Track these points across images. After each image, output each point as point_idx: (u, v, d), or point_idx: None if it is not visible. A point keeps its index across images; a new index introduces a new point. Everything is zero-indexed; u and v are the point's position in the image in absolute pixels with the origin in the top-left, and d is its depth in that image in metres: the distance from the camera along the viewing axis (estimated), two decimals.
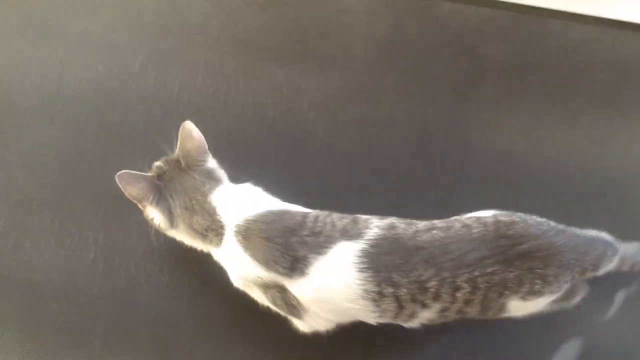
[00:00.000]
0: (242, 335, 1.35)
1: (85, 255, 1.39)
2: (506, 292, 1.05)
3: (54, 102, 1.51)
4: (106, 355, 1.34)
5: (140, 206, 1.23)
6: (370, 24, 1.61)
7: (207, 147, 1.25)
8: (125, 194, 1.19)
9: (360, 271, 1.05)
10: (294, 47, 1.58)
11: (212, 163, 1.27)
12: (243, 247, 1.13)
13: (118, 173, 1.18)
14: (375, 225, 1.10)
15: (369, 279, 1.05)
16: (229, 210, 1.18)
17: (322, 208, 1.21)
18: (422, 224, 1.11)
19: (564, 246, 1.06)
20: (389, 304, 1.07)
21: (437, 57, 1.59)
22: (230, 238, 1.15)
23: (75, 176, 1.46)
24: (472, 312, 1.09)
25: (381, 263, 1.05)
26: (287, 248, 1.09)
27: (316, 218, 1.13)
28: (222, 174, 1.27)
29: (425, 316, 1.10)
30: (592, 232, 1.14)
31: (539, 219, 1.11)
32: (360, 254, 1.06)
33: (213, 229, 1.17)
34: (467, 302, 1.06)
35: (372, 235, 1.08)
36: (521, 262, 1.04)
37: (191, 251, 1.24)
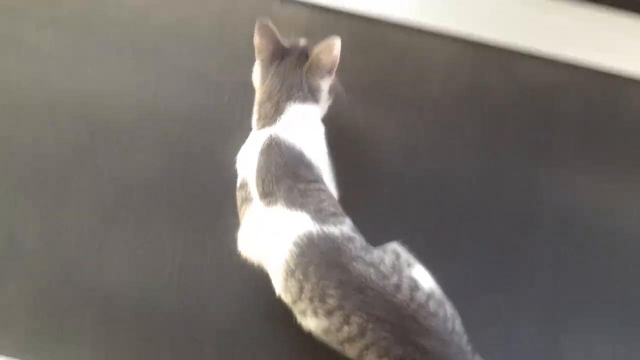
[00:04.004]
0: None
1: (161, 273, 1.45)
2: (384, 359, 1.06)
3: (144, 124, 1.56)
4: None
5: (255, 53, 1.31)
6: (449, 75, 1.65)
7: (334, 69, 1.29)
8: (254, 39, 1.28)
9: (293, 244, 1.11)
10: (374, 90, 1.63)
11: (325, 84, 1.30)
12: (261, 149, 1.21)
13: (262, 18, 1.26)
14: (341, 228, 1.14)
15: (293, 254, 1.11)
16: (287, 122, 1.24)
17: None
18: (375, 255, 1.13)
19: None
20: (293, 287, 1.12)
21: (514, 112, 1.62)
22: (265, 134, 1.22)
23: (159, 197, 1.51)
24: (350, 352, 1.10)
25: (310, 253, 1.10)
26: (276, 181, 1.16)
27: (319, 191, 1.18)
28: (324, 99, 1.31)
29: (311, 324, 1.13)
30: None
31: (458, 327, 1.11)
32: (305, 233, 1.11)
33: (266, 121, 1.25)
34: (350, 340, 1.08)
35: (328, 230, 1.12)
36: (412, 350, 1.05)
37: (258, 279, 1.27)
